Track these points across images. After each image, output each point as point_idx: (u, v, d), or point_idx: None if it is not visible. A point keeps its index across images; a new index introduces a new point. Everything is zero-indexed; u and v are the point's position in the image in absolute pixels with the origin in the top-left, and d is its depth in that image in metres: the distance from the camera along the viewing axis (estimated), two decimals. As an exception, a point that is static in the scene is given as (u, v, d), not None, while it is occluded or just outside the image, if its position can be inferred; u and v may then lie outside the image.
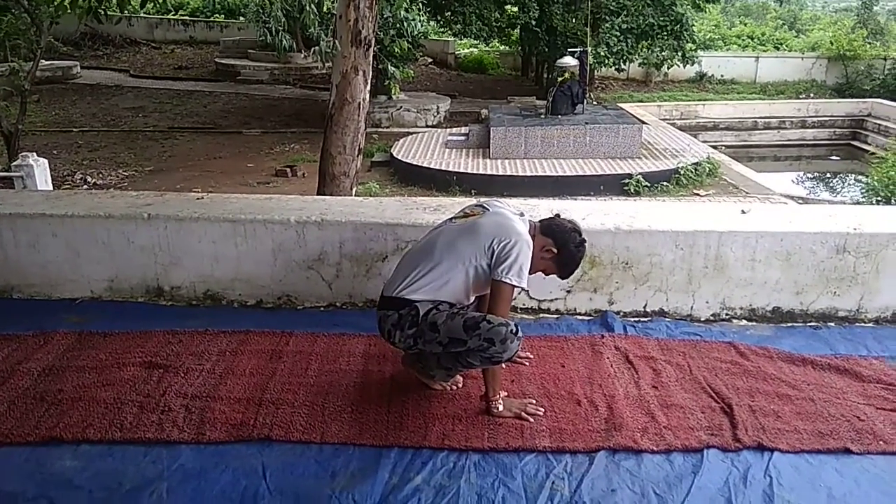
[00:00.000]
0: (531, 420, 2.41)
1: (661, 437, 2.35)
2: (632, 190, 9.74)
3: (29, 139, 11.09)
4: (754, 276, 3.15)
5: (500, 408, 2.43)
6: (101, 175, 10.61)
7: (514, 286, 2.32)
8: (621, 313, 3.21)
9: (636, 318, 3.20)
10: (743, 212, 3.32)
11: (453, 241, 2.39)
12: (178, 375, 2.66)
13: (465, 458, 2.25)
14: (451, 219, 2.54)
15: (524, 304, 3.25)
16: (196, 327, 3.01)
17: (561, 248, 2.43)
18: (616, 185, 9.88)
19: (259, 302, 3.30)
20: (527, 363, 2.79)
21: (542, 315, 3.25)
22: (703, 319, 3.22)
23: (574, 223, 2.51)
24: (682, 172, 10.16)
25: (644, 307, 3.22)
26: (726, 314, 3.22)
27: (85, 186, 9.90)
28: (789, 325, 3.20)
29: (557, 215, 2.54)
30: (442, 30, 19.88)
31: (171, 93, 17.20)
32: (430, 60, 21.50)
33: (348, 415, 2.45)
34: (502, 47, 22.94)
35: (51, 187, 7.39)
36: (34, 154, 7.23)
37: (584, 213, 3.26)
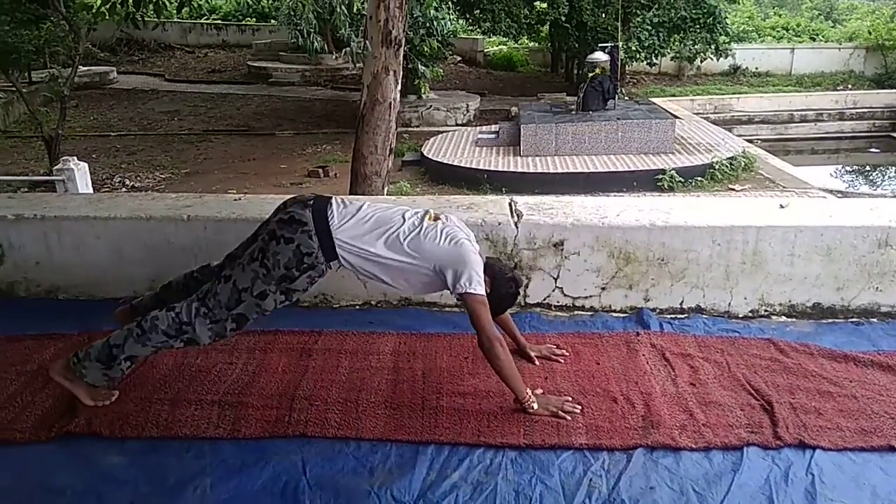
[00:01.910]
0: (568, 418, 2.41)
1: (699, 434, 2.33)
2: (665, 186, 9.63)
3: (69, 144, 11.35)
4: (794, 272, 3.10)
5: (536, 406, 2.42)
6: (138, 178, 10.83)
7: (478, 295, 2.36)
8: (657, 310, 3.19)
9: (672, 315, 3.17)
10: (781, 206, 3.27)
11: (421, 239, 2.40)
12: (210, 374, 2.70)
13: (502, 455, 2.25)
14: (416, 214, 2.51)
15: (558, 302, 3.24)
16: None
17: (493, 290, 2.49)
18: (649, 181, 9.78)
19: (296, 301, 3.33)
20: (561, 360, 2.79)
21: (576, 312, 3.23)
22: (741, 316, 3.18)
23: (514, 273, 2.63)
24: (716, 167, 10.01)
25: (680, 304, 3.19)
26: (765, 310, 3.18)
27: (123, 189, 10.11)
28: (830, 321, 3.14)
29: (507, 265, 2.70)
30: (470, 28, 19.88)
31: (204, 96, 17.47)
32: (458, 59, 21.49)
33: (382, 411, 2.47)
34: (531, 44, 22.82)
35: (91, 190, 7.57)
36: (75, 158, 7.41)
37: (618, 209, 3.25)
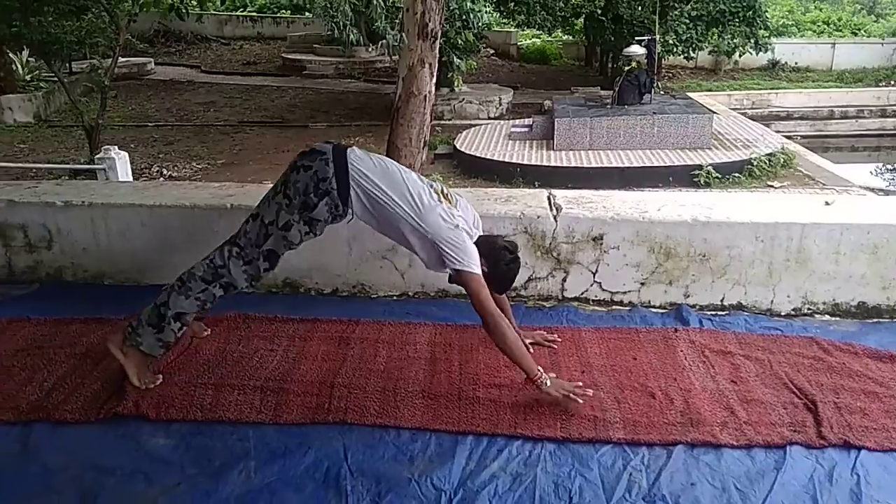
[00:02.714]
0: (580, 401, 2.38)
1: (741, 432, 2.31)
2: (702, 181, 9.48)
3: (108, 133, 11.54)
4: (838, 270, 3.05)
5: (549, 383, 2.40)
6: (176, 168, 10.98)
7: (475, 273, 2.41)
8: (697, 307, 3.16)
9: (713, 312, 3.14)
10: (827, 203, 3.21)
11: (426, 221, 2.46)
12: (252, 359, 2.75)
13: (541, 447, 2.26)
14: (433, 185, 2.58)
15: (596, 296, 3.23)
16: (274, 313, 3.11)
17: (492, 266, 2.51)
18: (686, 177, 9.63)
19: (334, 290, 3.38)
20: (555, 346, 2.82)
21: (614, 307, 3.22)
22: (783, 314, 3.13)
23: (508, 242, 2.61)
24: (755, 163, 9.83)
25: (721, 301, 3.16)
26: (808, 309, 3.13)
27: (161, 178, 10.28)
28: (875, 320, 3.09)
29: (499, 236, 2.69)
30: (504, 21, 19.77)
31: (240, 88, 17.64)
32: (491, 52, 21.38)
33: (420, 401, 2.49)
34: (565, 37, 22.62)
35: (131, 179, 7.71)
36: (116, 147, 7.55)
37: (659, 203, 3.22)
